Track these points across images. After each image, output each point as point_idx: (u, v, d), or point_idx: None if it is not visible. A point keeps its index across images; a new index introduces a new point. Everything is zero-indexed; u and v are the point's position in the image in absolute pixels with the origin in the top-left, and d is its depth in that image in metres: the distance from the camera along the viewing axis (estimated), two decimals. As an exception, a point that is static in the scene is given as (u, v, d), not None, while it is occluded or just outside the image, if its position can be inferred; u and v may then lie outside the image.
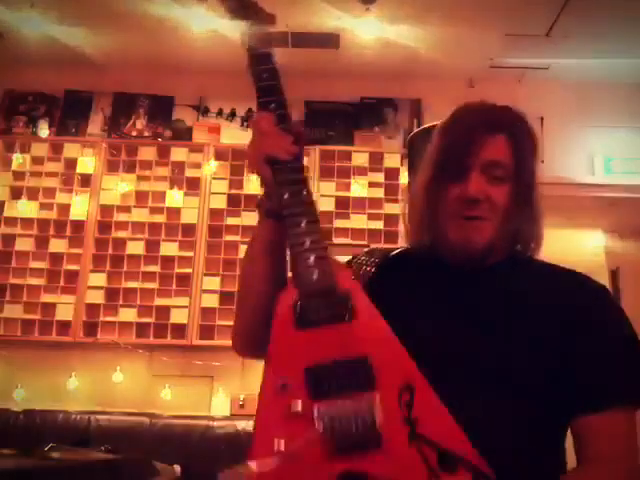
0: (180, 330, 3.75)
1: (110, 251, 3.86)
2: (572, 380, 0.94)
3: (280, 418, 0.82)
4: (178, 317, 3.76)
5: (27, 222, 3.91)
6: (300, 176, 0.98)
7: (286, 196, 0.95)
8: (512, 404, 0.92)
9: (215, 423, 3.56)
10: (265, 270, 1.02)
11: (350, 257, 1.20)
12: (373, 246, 3.60)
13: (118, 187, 3.95)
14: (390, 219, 3.88)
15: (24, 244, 3.87)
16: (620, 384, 0.95)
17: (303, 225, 0.93)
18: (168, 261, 3.87)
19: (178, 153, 4.04)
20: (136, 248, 3.87)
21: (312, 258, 0.92)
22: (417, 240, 1.10)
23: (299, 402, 0.82)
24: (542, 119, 3.74)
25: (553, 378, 0.94)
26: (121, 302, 3.79)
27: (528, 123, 1.06)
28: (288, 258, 0.99)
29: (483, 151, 0.99)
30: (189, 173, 4.00)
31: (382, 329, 0.90)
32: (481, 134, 0.99)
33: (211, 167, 3.98)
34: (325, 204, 3.92)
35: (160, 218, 3.93)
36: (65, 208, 3.93)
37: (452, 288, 1.03)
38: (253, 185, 3.86)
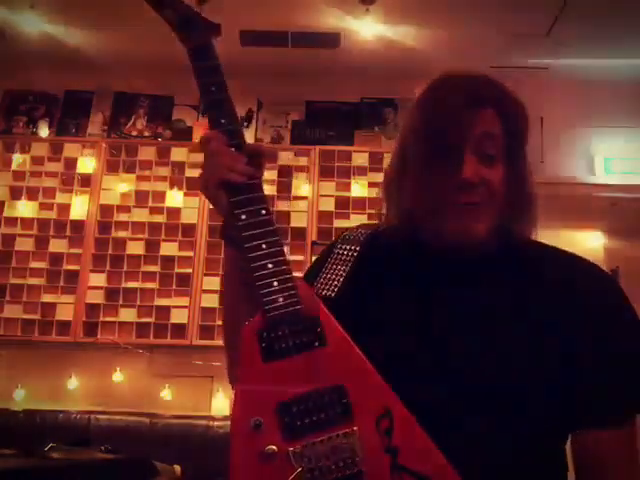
0: (180, 330, 3.74)
1: (110, 251, 3.86)
2: (574, 388, 0.89)
3: (255, 462, 0.77)
4: (178, 317, 3.76)
5: (27, 222, 3.91)
6: (257, 194, 0.91)
7: (243, 217, 0.89)
8: (511, 417, 0.87)
9: (215, 423, 3.56)
10: (241, 300, 0.96)
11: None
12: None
13: (118, 187, 3.95)
14: (390, 219, 3.87)
15: (24, 244, 3.86)
16: (626, 396, 0.90)
17: (264, 247, 0.88)
18: (168, 261, 3.86)
19: (178, 153, 4.03)
20: (136, 248, 3.87)
21: (275, 283, 0.86)
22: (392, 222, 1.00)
23: (274, 445, 0.78)
24: (542, 119, 3.73)
25: (554, 385, 0.89)
26: (121, 302, 3.79)
27: (515, 95, 0.96)
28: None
29: (473, 128, 0.89)
30: (189, 173, 3.99)
31: (354, 354, 0.84)
32: (468, 110, 0.89)
33: (211, 167, 3.97)
34: (325, 204, 3.92)
35: (160, 218, 3.92)
36: (65, 208, 3.93)
37: (446, 286, 0.95)
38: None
